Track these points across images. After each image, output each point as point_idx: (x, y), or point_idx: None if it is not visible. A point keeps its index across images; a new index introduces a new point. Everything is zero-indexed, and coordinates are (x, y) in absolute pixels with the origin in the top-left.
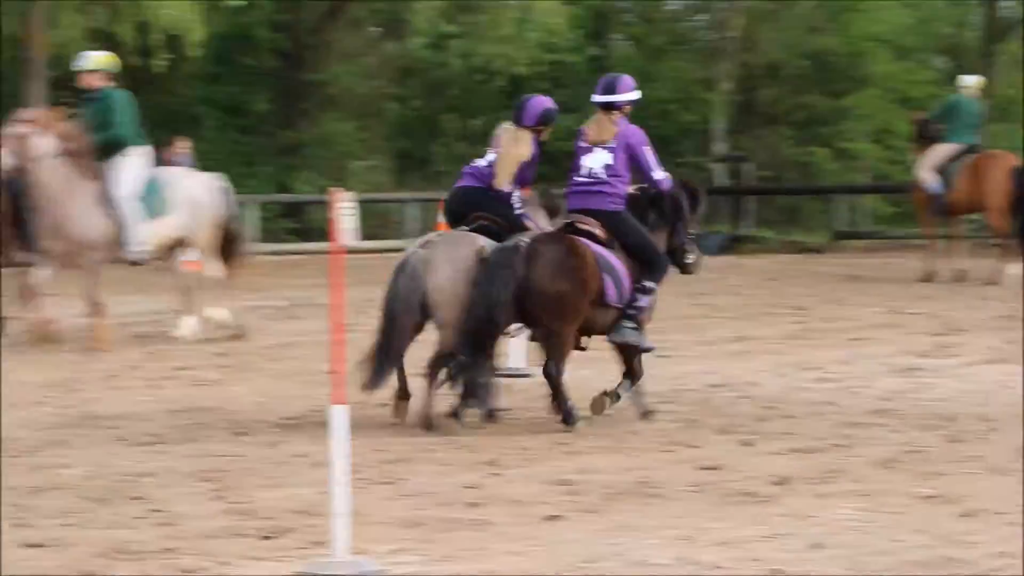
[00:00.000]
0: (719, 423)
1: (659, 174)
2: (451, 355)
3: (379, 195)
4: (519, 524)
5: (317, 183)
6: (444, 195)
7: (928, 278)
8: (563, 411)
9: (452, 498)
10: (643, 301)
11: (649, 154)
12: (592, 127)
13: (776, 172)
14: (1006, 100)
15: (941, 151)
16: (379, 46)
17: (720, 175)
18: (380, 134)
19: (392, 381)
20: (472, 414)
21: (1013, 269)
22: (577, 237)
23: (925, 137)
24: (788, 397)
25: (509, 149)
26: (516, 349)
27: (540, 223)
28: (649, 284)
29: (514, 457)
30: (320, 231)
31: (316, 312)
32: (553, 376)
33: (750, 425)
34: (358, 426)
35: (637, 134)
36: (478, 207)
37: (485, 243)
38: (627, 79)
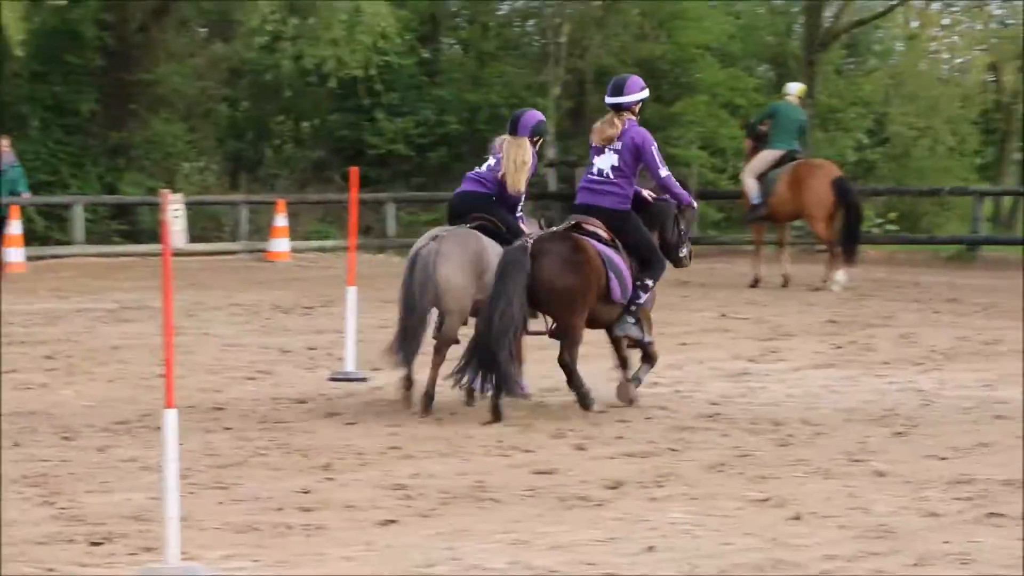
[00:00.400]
0: (553, 427)
1: (664, 172)
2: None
3: (209, 197)
4: (353, 529)
5: (146, 184)
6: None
7: (755, 283)
8: (579, 395)
9: (285, 503)
10: (643, 298)
11: (655, 154)
12: (600, 128)
13: None
14: (827, 109)
15: (763, 157)
16: (208, 47)
17: (551, 180)
18: (210, 136)
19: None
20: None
21: (840, 276)
22: (582, 236)
23: (755, 140)
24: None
25: (517, 156)
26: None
27: (533, 228)
28: (648, 281)
29: (348, 461)
30: (150, 233)
31: (146, 315)
32: (568, 364)
33: (584, 429)
34: (189, 430)
35: (643, 135)
36: (479, 209)
37: (487, 240)
38: (635, 80)
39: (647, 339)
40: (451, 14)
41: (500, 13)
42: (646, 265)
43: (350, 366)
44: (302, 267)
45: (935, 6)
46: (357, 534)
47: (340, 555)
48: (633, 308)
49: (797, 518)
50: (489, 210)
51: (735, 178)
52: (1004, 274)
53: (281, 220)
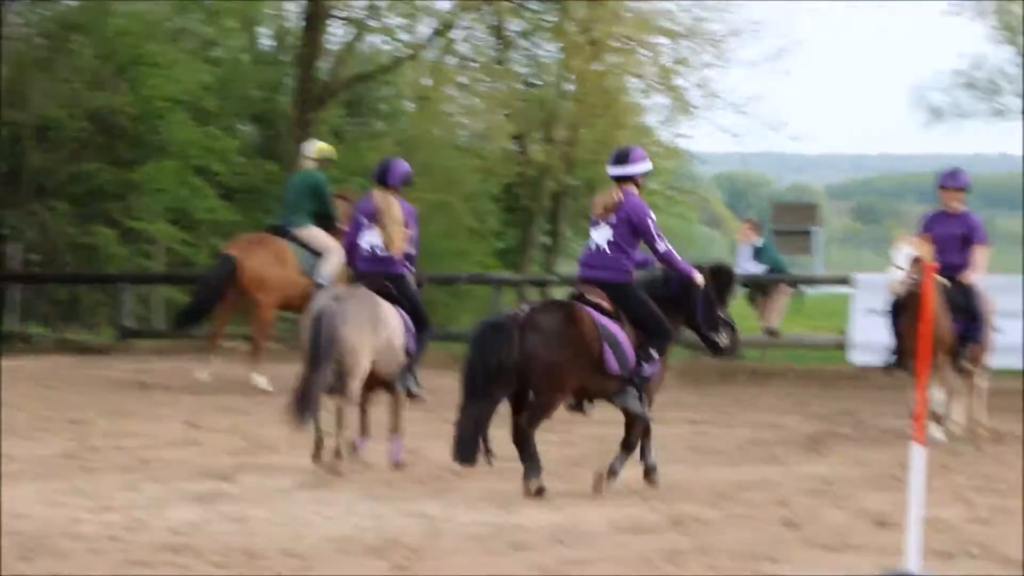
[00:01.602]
0: None
1: (663, 247)
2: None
3: None
4: None
5: None
6: None
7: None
8: (525, 465)
9: None
10: (647, 370)
11: (652, 227)
12: (600, 201)
13: (50, 256)
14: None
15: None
16: None
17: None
18: None
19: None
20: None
21: (259, 378)
22: (582, 306)
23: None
24: (61, 531)
25: (390, 214)
26: None
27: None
28: (653, 351)
29: None
30: None
31: None
32: (524, 429)
33: (13, 566)
34: None
35: (639, 208)
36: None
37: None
38: (638, 150)
39: (646, 415)
40: None
41: None
42: (651, 336)
43: None
44: None
45: (450, 61)
46: None
47: None
48: (636, 381)
49: None
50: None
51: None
52: None
53: None
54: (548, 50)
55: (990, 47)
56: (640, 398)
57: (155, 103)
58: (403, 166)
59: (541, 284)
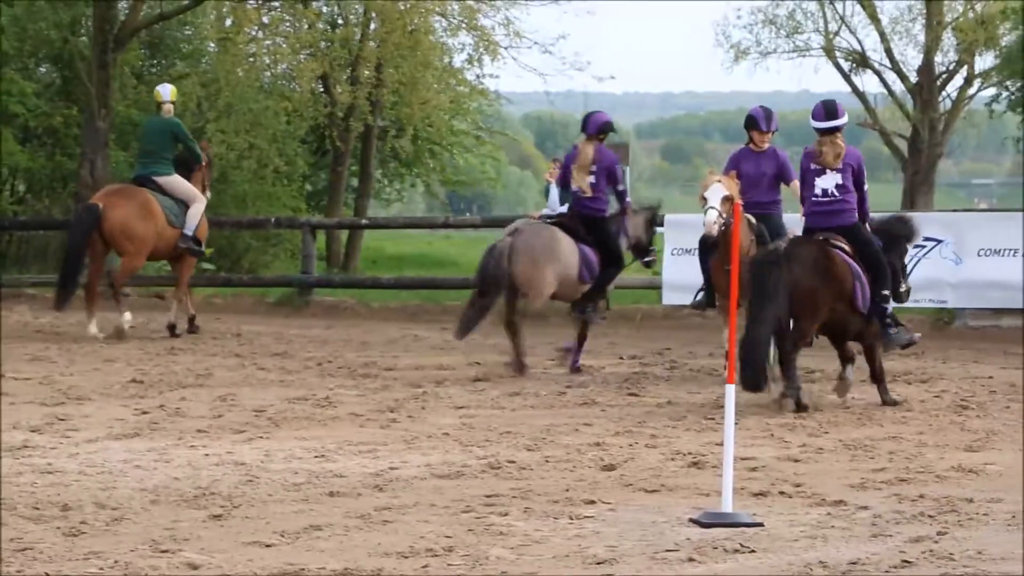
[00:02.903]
0: None
1: (866, 187)
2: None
3: None
4: None
5: None
6: None
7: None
8: (785, 384)
9: None
10: (889, 307)
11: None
12: (827, 151)
13: None
14: (127, 121)
15: None
16: None
17: None
18: None
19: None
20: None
21: (92, 328)
22: (831, 246)
23: None
24: None
25: (579, 162)
26: None
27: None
28: (885, 292)
29: None
30: None
31: None
32: (787, 351)
33: None
34: None
35: (857, 154)
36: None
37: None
38: (838, 103)
39: (915, 337)
40: None
41: None
42: (880, 276)
43: None
44: None
45: (252, 2)
46: None
47: None
48: (888, 319)
49: None
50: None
51: (22, 203)
52: (339, 322)
53: None
54: None
55: None
56: (898, 329)
57: None
58: (601, 117)
59: (356, 227)
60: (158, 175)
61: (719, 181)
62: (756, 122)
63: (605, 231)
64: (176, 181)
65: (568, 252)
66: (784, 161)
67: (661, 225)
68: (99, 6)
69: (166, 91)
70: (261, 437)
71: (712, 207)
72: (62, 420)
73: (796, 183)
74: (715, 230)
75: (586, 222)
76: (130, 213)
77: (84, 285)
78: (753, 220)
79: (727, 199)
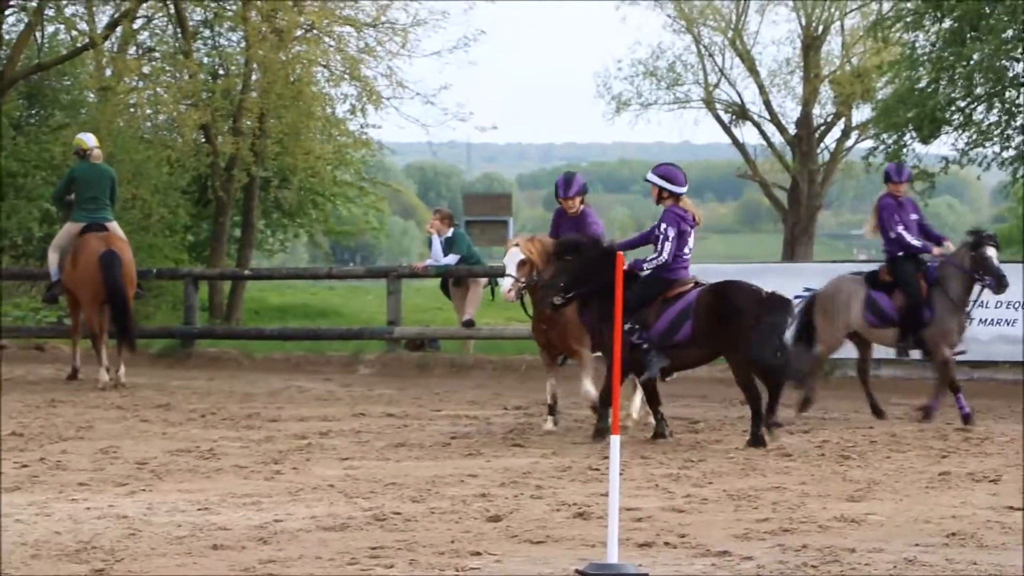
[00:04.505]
0: None
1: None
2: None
3: None
4: None
5: None
6: None
7: (73, 375)
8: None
9: None
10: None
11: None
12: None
13: None
14: (6, 173)
15: (67, 230)
16: None
17: None
18: None
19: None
20: None
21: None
22: None
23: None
24: None
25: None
26: None
27: None
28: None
29: None
30: None
31: None
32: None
33: None
34: None
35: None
36: None
37: None
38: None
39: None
40: None
41: None
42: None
43: None
44: None
45: (132, 52)
46: None
47: None
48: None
49: None
50: None
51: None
52: (221, 373)
53: None
54: (231, 39)
55: (667, 36)
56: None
57: None
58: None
59: (235, 277)
60: (107, 221)
61: (516, 246)
62: (557, 189)
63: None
64: (117, 228)
65: None
66: (594, 222)
67: None
68: None
69: (91, 139)
70: (144, 490)
71: (509, 274)
72: None
73: None
74: (511, 297)
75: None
76: (130, 258)
77: (91, 335)
78: None
79: (523, 263)
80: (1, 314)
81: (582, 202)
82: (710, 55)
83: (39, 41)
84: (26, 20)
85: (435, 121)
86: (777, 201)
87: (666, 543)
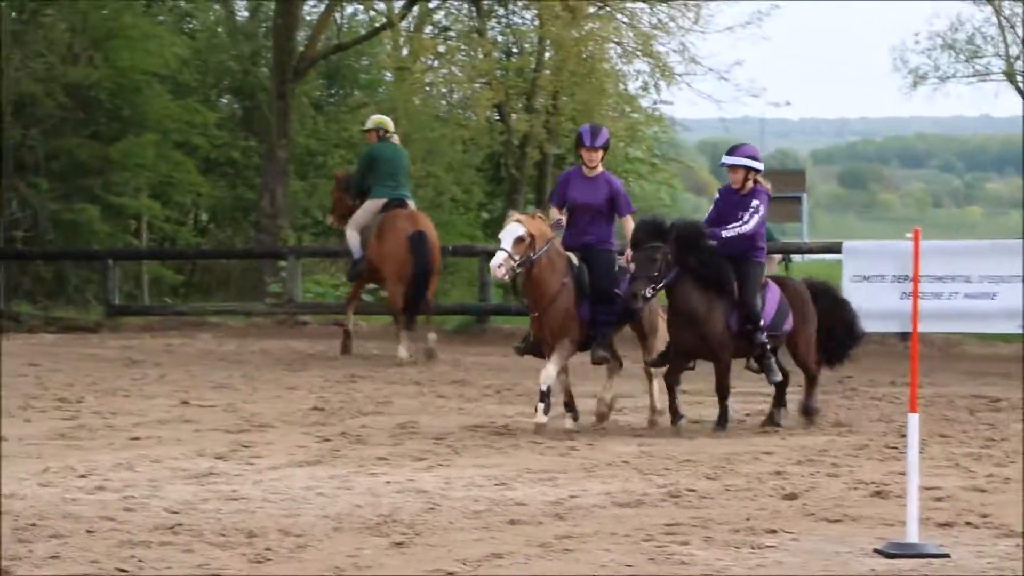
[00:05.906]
0: None
1: None
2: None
3: None
4: None
5: None
6: None
7: (346, 350)
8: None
9: None
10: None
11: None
12: None
13: (34, 233)
14: (304, 151)
15: (366, 208)
16: None
17: None
18: None
19: None
20: None
21: (402, 352)
22: None
23: (353, 195)
24: (55, 511)
25: None
26: None
27: None
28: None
29: None
30: None
31: None
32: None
33: (10, 548)
34: None
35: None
36: None
37: None
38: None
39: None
40: None
41: None
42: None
43: None
44: None
45: (428, 31)
46: None
47: None
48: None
49: None
50: None
51: (205, 233)
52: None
53: None
54: (525, 17)
55: (966, 7)
56: None
57: (131, 76)
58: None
59: None
60: (408, 199)
61: (518, 220)
62: (580, 138)
63: None
64: (414, 206)
65: None
66: (618, 189)
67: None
68: (278, 38)
69: (391, 123)
70: (441, 464)
71: (502, 248)
72: (246, 447)
73: (629, 219)
74: (500, 273)
75: None
76: (436, 239)
77: (399, 310)
78: (575, 259)
79: (521, 240)
80: (303, 291)
81: (603, 159)
82: (1011, 26)
83: (338, 22)
84: (326, 1)
85: (728, 97)
86: None
87: (967, 523)
